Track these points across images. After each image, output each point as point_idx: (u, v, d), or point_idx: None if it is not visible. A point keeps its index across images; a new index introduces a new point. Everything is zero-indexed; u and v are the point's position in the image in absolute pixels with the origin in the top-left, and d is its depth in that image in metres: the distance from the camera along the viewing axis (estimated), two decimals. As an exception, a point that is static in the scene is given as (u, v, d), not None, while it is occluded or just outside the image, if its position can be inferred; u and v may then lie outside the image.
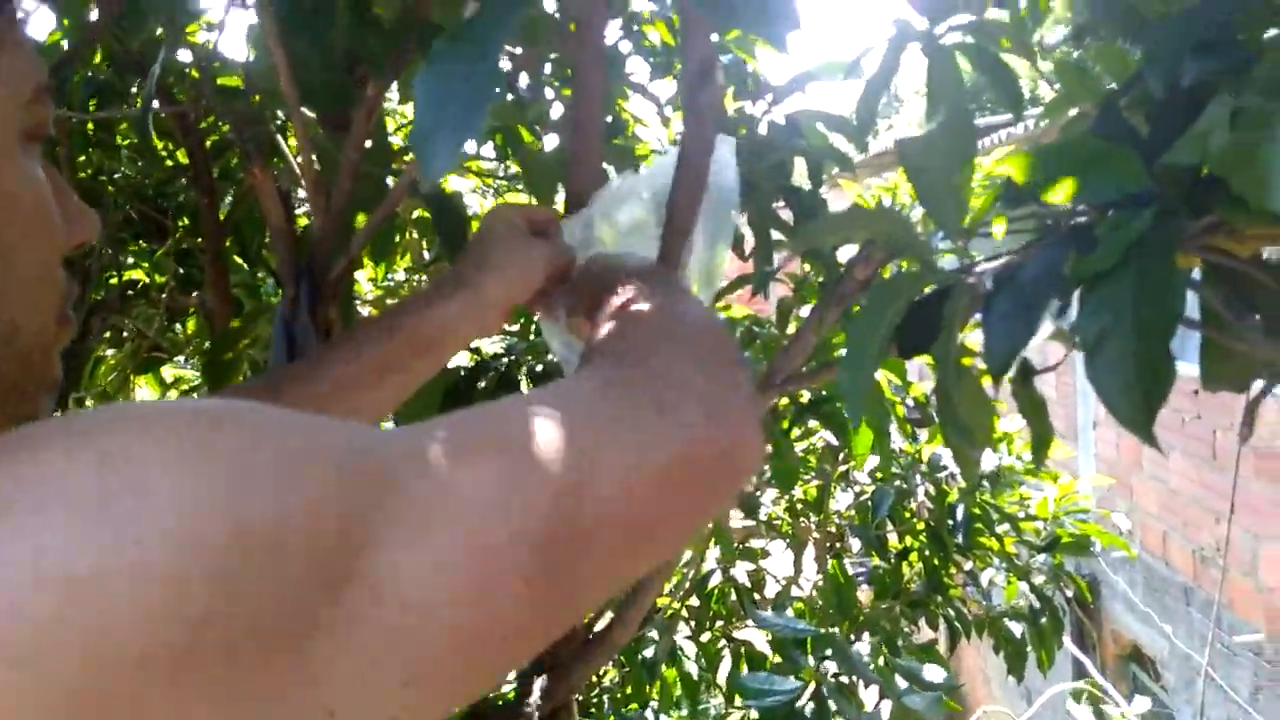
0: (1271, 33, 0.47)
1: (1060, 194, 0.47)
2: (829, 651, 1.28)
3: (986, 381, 0.67)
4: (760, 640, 2.35)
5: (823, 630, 1.31)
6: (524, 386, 1.52)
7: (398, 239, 1.56)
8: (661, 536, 0.39)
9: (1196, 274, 0.56)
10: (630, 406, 0.39)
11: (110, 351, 1.78)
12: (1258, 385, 0.63)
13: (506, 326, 1.92)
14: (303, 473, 0.29)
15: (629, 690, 2.00)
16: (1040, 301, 0.50)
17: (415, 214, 1.60)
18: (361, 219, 1.05)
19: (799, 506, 2.38)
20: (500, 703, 1.50)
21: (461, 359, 1.81)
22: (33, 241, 0.37)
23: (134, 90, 1.30)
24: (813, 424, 1.82)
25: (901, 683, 1.34)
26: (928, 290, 0.60)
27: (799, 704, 1.14)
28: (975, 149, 0.49)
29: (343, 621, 0.28)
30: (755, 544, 2.52)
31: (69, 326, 0.41)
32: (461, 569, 0.30)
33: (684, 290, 0.57)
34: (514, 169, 1.98)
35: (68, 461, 0.25)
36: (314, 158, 0.88)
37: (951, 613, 2.27)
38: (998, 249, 0.60)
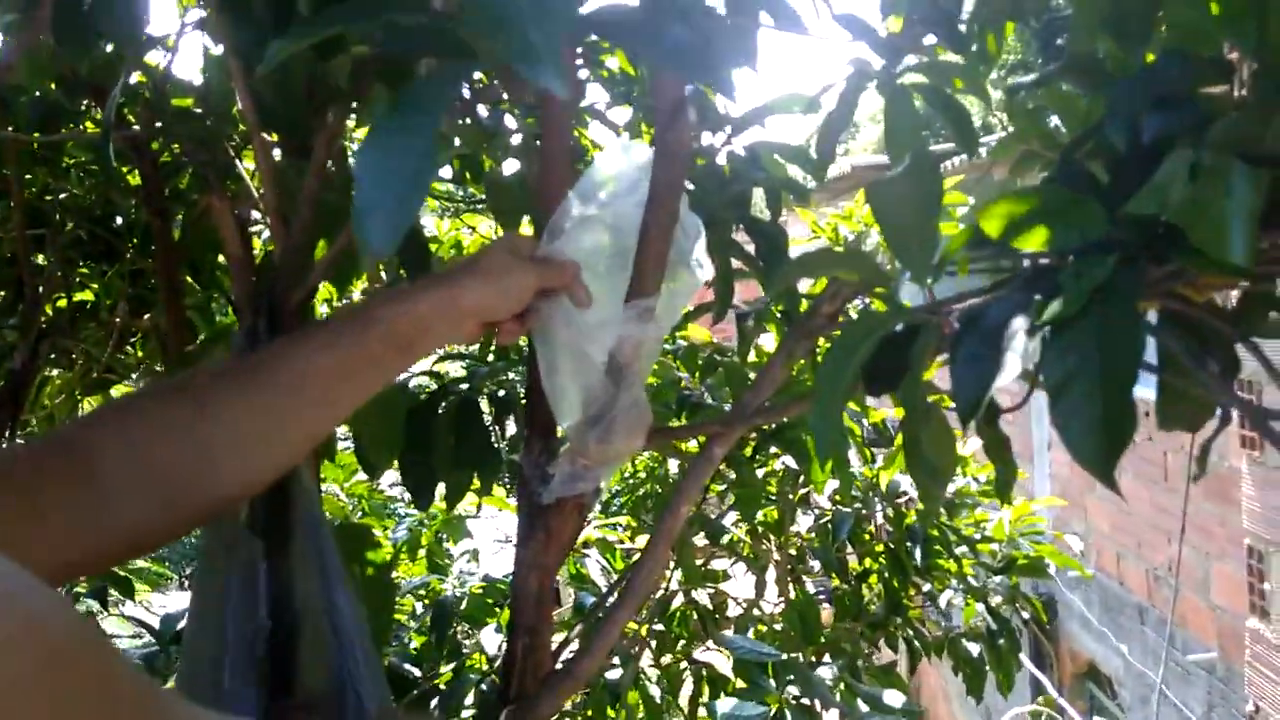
0: (1219, 89, 0.48)
1: (1029, 242, 0.47)
2: (792, 676, 1.28)
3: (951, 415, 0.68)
4: (721, 662, 2.34)
5: (786, 655, 1.32)
6: (485, 408, 1.51)
7: (357, 272, 1.54)
8: None
9: (1153, 318, 0.57)
10: None
11: (56, 372, 1.73)
12: (1210, 425, 0.64)
13: (466, 349, 1.91)
14: None
15: (590, 713, 1.98)
16: (1006, 345, 0.50)
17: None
18: (321, 247, 1.03)
19: (760, 529, 2.39)
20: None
21: (423, 381, 1.80)
22: None
23: (84, 109, 1.28)
24: (774, 449, 1.83)
25: (863, 707, 1.34)
26: (894, 328, 0.60)
27: (763, 732, 1.14)
28: (941, 195, 0.49)
29: None
30: (717, 565, 2.52)
31: None
32: None
33: None
34: (474, 191, 1.98)
35: None
36: (273, 184, 0.87)
37: (911, 633, 2.29)
38: (960, 286, 0.60)
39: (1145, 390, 0.63)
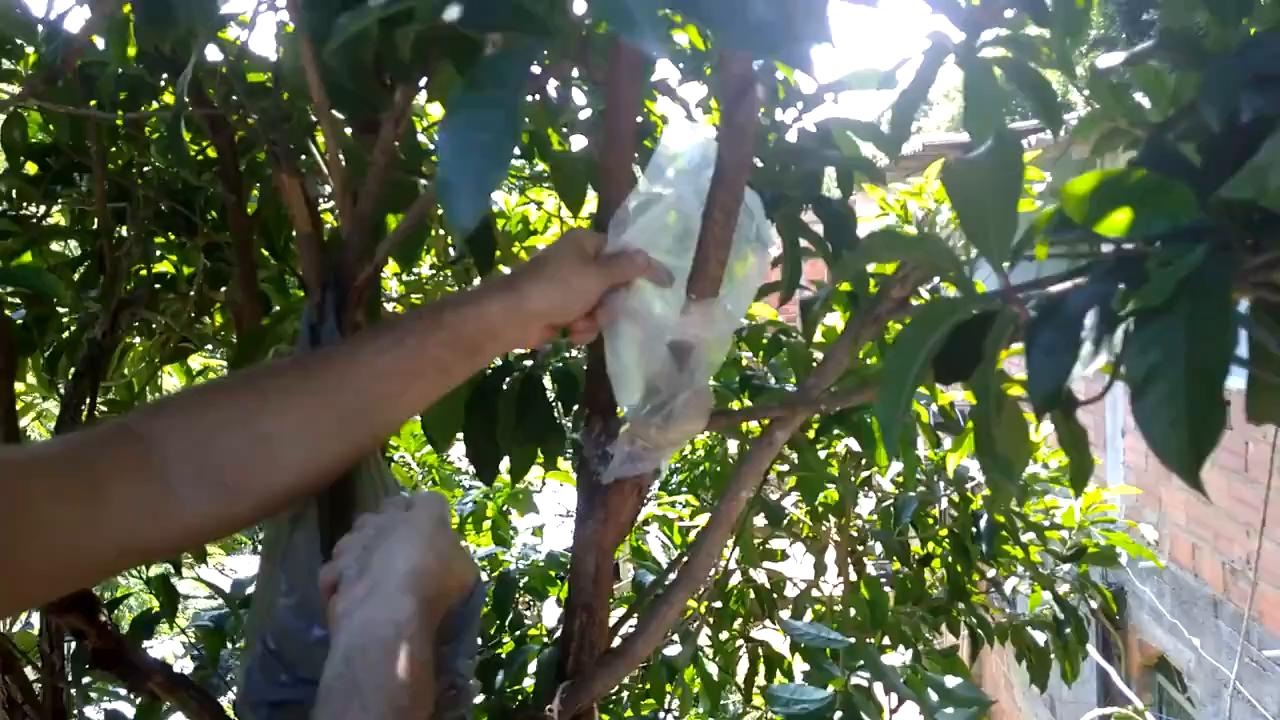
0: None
1: (1113, 226, 0.45)
2: (859, 662, 1.27)
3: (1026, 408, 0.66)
4: (778, 640, 2.34)
5: (853, 640, 1.30)
6: (548, 386, 1.52)
7: (424, 249, 1.56)
8: None
9: (1243, 307, 0.54)
10: None
11: (137, 340, 1.79)
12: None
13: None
14: None
15: (648, 687, 2.00)
16: (1085, 335, 0.48)
17: (440, 210, 1.59)
18: (390, 222, 1.04)
19: (820, 510, 2.37)
20: (519, 706, 1.50)
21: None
22: None
23: (164, 85, 1.30)
24: (836, 431, 1.81)
25: (933, 696, 1.32)
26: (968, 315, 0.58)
27: (829, 715, 1.13)
28: (1021, 180, 0.47)
29: None
30: (775, 545, 2.51)
31: None
32: None
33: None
34: (539, 165, 1.98)
35: None
36: (342, 160, 0.88)
37: (974, 619, 2.25)
38: (1038, 271, 0.58)
39: (1233, 380, 0.60)
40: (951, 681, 1.29)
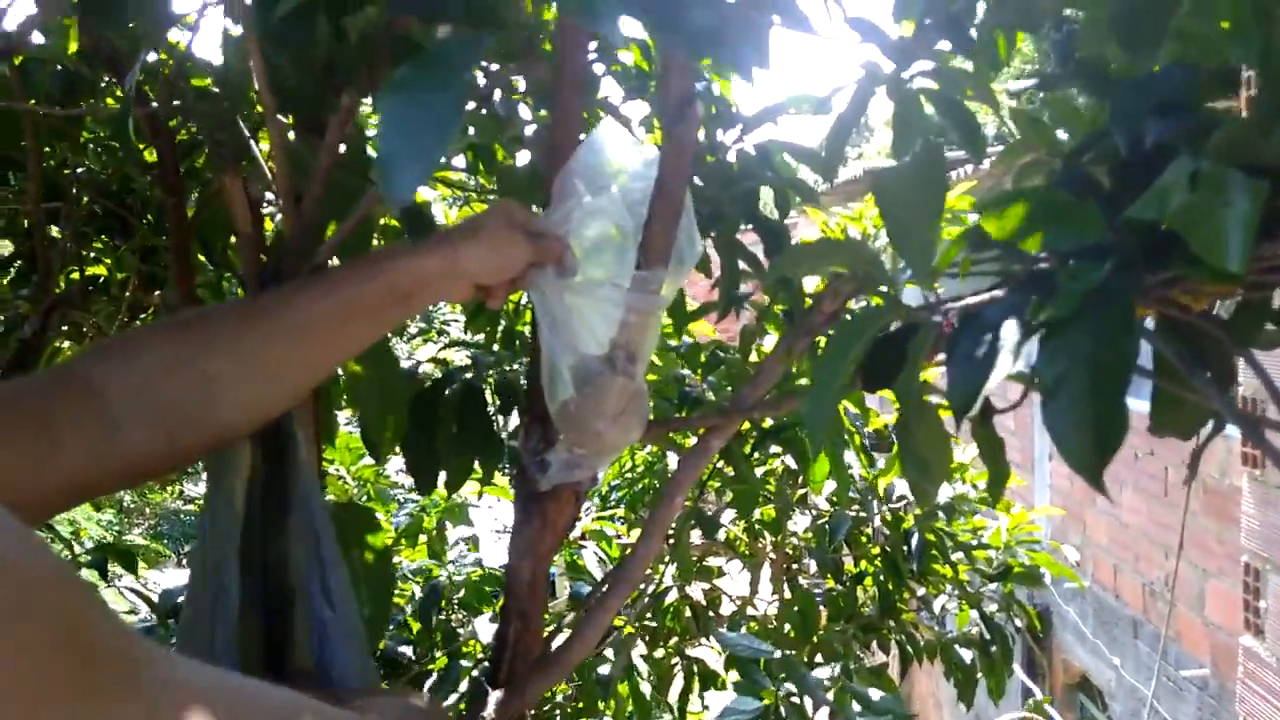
0: (1221, 104, 0.49)
1: (1027, 243, 0.48)
2: (785, 674, 1.30)
3: (946, 416, 0.69)
4: (712, 658, 2.35)
5: (781, 653, 1.33)
6: (489, 397, 1.52)
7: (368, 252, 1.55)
8: None
9: (1150, 325, 0.58)
10: None
11: (67, 345, 1.75)
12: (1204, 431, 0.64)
13: (471, 338, 1.92)
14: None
15: (581, 705, 2.00)
16: (1001, 345, 0.51)
17: (384, 222, 1.59)
18: (332, 228, 1.04)
19: (756, 527, 2.40)
20: (449, 710, 1.49)
21: (427, 369, 1.80)
22: None
23: (104, 85, 1.29)
24: (773, 449, 1.84)
25: (855, 707, 1.35)
26: (893, 326, 0.61)
27: (759, 724, 1.15)
28: (945, 188, 0.50)
29: None
30: (712, 563, 2.53)
31: None
32: None
33: None
34: (484, 182, 1.98)
35: None
36: (286, 163, 0.88)
37: (904, 637, 2.29)
38: (960, 289, 0.61)
39: (1144, 404, 0.63)
40: (876, 694, 1.32)
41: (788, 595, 2.39)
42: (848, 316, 0.72)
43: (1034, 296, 0.50)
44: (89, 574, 1.62)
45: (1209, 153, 0.45)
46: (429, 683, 1.62)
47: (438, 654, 1.74)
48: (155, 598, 1.49)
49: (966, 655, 2.33)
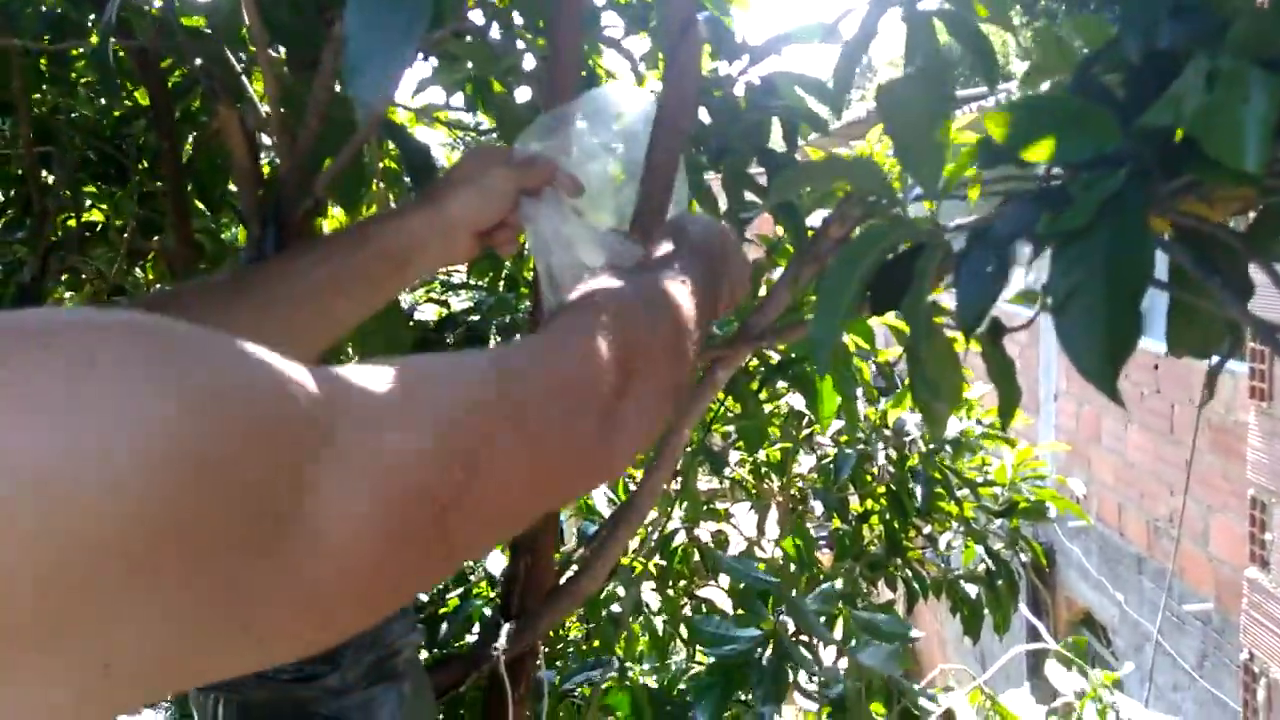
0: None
1: (1038, 153, 0.47)
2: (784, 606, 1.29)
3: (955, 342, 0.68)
4: (722, 599, 2.38)
5: (782, 583, 1.33)
6: (492, 342, 1.51)
7: (365, 191, 1.54)
8: (521, 520, 0.46)
9: (1165, 238, 0.56)
10: (559, 403, 0.44)
11: (68, 295, 1.74)
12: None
13: (476, 282, 1.91)
14: (259, 408, 0.30)
15: (595, 644, 2.02)
16: (1012, 258, 0.50)
17: (383, 165, 1.57)
18: (328, 163, 1.03)
19: (763, 469, 2.41)
20: (462, 647, 1.51)
21: (429, 313, 1.80)
22: None
23: (90, 24, 1.26)
24: (778, 387, 1.83)
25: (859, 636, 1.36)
26: (901, 247, 0.60)
27: (757, 654, 1.15)
28: (952, 96, 0.48)
29: (283, 554, 0.30)
30: (719, 505, 2.55)
31: None
32: (381, 523, 0.33)
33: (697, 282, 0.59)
34: (484, 121, 1.95)
35: (36, 368, 0.25)
36: (279, 99, 0.86)
37: (910, 574, 2.31)
38: (970, 213, 0.60)
39: (1150, 342, 0.62)
40: (886, 621, 1.33)
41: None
42: (855, 237, 0.71)
43: (1045, 209, 0.49)
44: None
45: (1226, 47, 0.44)
46: (442, 627, 1.64)
47: (449, 596, 1.76)
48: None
49: (972, 591, 2.35)
